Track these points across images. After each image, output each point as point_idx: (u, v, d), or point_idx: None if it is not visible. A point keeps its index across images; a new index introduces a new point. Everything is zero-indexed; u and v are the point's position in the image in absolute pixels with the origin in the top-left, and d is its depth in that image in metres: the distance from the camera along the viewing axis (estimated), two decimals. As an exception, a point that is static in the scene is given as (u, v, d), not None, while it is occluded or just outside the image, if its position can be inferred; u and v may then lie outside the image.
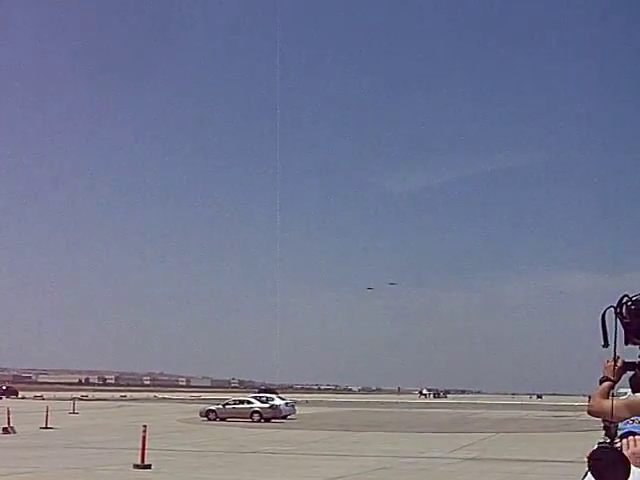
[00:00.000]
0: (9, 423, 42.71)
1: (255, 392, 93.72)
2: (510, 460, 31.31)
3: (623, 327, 5.10)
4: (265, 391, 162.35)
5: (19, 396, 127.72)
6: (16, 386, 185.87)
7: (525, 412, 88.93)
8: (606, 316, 5.08)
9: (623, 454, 4.51)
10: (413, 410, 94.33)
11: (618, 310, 5.08)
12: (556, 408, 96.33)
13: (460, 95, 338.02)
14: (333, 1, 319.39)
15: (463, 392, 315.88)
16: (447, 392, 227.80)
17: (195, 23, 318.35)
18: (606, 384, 5.23)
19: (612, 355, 5.11)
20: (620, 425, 6.60)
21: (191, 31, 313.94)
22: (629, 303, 5.10)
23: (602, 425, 7.87)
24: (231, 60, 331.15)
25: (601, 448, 4.44)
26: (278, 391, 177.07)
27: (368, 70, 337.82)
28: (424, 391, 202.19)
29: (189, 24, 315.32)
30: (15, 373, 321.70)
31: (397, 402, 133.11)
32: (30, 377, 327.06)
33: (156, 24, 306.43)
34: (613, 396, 5.34)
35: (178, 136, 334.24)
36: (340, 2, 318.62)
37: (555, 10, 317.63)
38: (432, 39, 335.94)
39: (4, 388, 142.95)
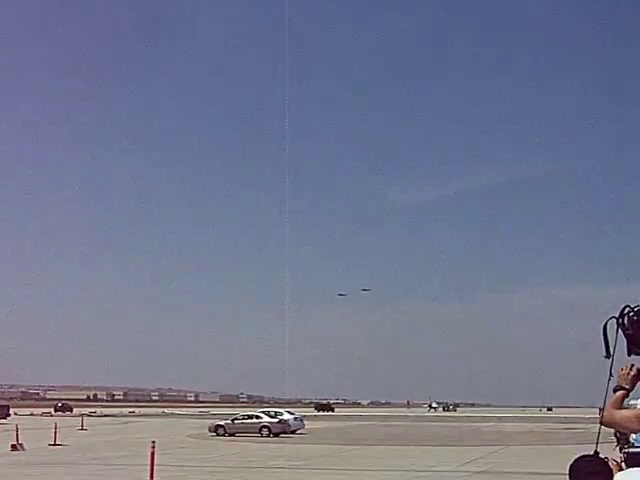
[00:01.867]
0: (18, 440, 42.70)
1: (265, 407, 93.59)
2: (520, 473, 31.18)
3: (625, 338, 5.06)
4: (323, 407, 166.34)
5: (73, 412, 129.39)
6: (24, 402, 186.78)
7: (535, 425, 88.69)
8: (607, 327, 5.04)
9: (606, 463, 4.45)
10: (423, 423, 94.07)
11: (620, 321, 5.05)
12: (567, 420, 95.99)
13: (471, 106, 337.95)
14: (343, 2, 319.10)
15: (473, 405, 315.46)
16: (457, 405, 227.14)
17: (199, 23, 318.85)
18: (619, 393, 5.18)
19: (609, 366, 5.07)
20: (634, 436, 6.53)
21: (196, 32, 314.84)
22: (631, 314, 5.07)
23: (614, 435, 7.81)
24: (239, 65, 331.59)
25: (583, 457, 4.40)
26: (334, 407, 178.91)
27: (378, 80, 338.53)
28: (433, 404, 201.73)
29: (193, 25, 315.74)
30: (23, 389, 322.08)
31: (406, 415, 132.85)
32: (38, 393, 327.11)
33: (162, 22, 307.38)
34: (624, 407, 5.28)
35: (185, 147, 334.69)
36: (350, 2, 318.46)
37: (576, 18, 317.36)
38: (445, 47, 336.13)
39: (60, 405, 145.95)
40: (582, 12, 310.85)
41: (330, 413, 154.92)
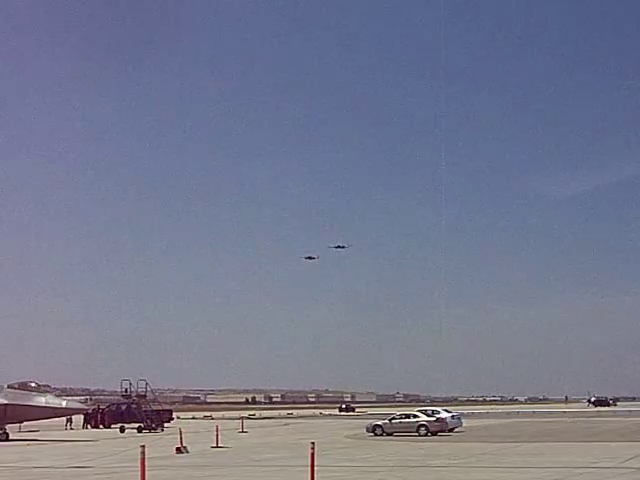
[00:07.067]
0: (182, 443, 43.82)
1: (421, 406, 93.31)
2: (687, 469, 30.35)
3: None
4: (601, 402, 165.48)
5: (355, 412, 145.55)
6: (186, 406, 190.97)
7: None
8: None
9: None
10: (582, 419, 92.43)
11: None
12: None
13: (620, 93, 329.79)
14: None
15: (633, 399, 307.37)
16: (616, 400, 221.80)
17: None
18: None
19: None
20: None
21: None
22: None
23: None
24: (391, 71, 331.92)
25: None
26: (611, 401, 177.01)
27: (523, 74, 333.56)
28: (592, 399, 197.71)
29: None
30: (185, 394, 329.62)
31: (565, 411, 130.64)
32: (199, 398, 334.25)
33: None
34: None
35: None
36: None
37: None
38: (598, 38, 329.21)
39: (344, 407, 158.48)
40: None
41: (607, 408, 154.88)
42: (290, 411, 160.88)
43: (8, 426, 62.25)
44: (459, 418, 65.69)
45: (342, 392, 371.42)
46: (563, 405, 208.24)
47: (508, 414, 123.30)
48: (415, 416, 60.43)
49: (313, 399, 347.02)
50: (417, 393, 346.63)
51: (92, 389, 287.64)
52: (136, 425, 72.71)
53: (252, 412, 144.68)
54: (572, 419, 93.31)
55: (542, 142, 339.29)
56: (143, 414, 73.63)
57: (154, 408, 78.15)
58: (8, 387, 63.36)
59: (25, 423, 66.57)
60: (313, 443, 27.11)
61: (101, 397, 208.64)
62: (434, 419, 59.68)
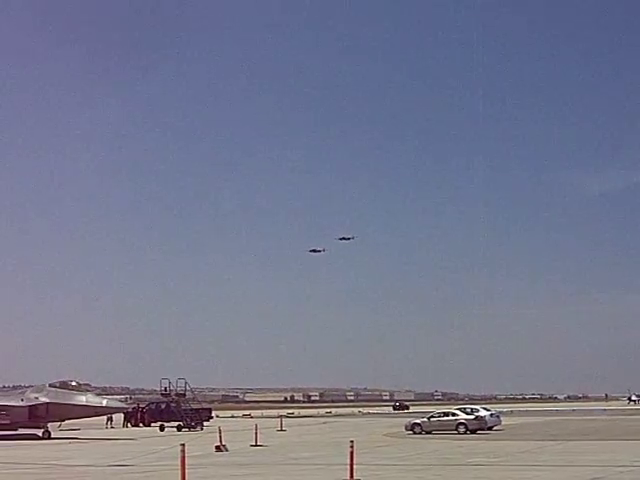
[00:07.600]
0: (221, 441, 43.96)
1: (460, 404, 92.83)
2: None
3: None
4: None
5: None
6: (225, 405, 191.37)
7: None
8: None
9: None
10: (622, 417, 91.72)
11: None
12: None
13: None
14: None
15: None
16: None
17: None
18: None
19: None
20: None
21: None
22: None
23: None
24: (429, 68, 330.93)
25: None
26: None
27: (556, 72, 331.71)
28: (633, 397, 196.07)
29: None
30: (224, 393, 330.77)
31: (605, 409, 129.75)
32: (237, 396, 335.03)
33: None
34: None
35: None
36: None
37: None
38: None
39: (397, 405, 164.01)
40: None
41: None
42: (329, 410, 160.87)
43: (49, 424, 62.82)
44: (498, 416, 65.45)
45: (380, 390, 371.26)
46: (603, 403, 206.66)
47: (547, 412, 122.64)
48: (454, 414, 60.32)
49: (352, 397, 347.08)
50: (456, 391, 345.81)
51: (132, 388, 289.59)
52: (175, 424, 73.00)
53: (291, 411, 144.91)
54: (612, 417, 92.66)
55: (574, 139, 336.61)
56: (182, 413, 73.87)
57: (193, 407, 78.43)
58: (50, 386, 63.99)
59: (66, 422, 67.09)
60: (352, 441, 27.14)
61: (141, 396, 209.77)
62: (473, 417, 59.54)
